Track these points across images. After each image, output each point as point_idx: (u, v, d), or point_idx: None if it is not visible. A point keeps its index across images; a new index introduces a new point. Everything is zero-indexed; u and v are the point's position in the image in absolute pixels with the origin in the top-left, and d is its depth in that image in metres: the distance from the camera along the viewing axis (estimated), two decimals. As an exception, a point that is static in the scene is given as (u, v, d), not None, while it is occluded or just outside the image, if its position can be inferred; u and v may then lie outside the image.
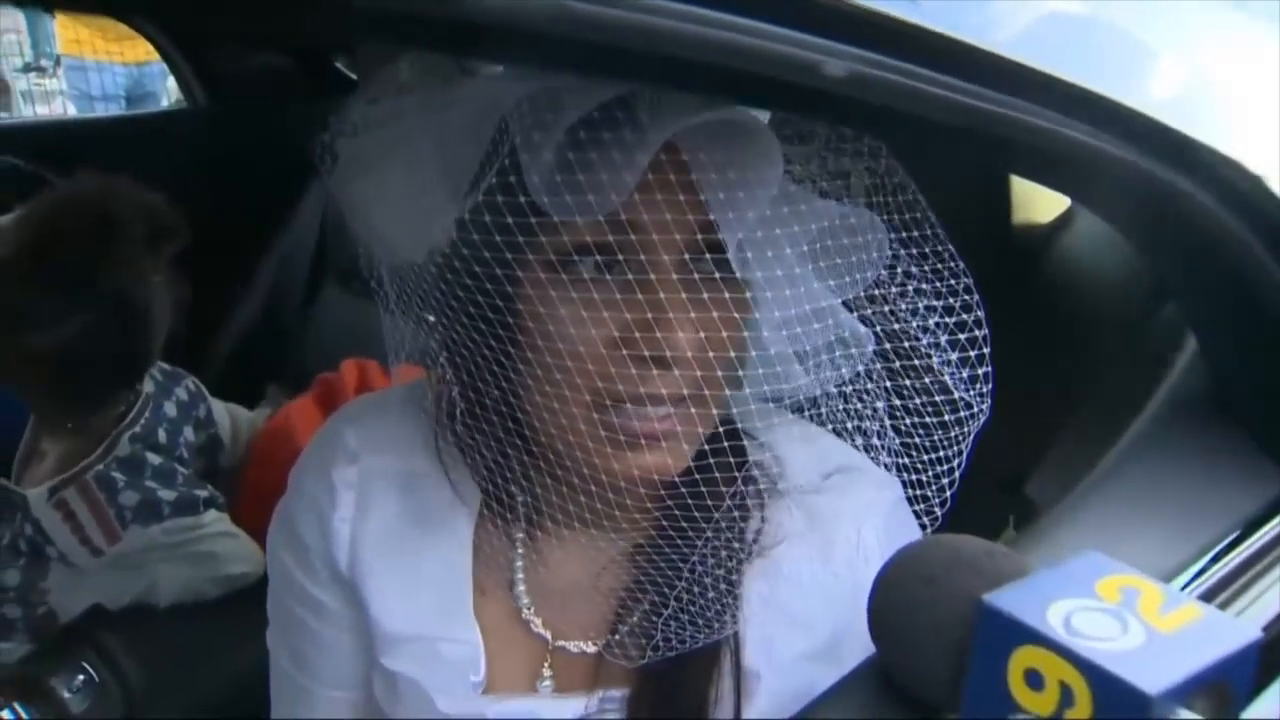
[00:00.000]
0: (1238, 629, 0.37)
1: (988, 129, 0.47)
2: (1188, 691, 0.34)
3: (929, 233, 0.58)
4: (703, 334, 0.54)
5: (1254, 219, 0.57)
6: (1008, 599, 0.37)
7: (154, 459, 1.29)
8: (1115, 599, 0.37)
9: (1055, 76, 0.48)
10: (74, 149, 1.85)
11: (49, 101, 3.07)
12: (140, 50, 3.09)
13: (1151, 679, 0.34)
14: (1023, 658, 0.36)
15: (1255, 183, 0.56)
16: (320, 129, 0.61)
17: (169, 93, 3.15)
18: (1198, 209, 0.55)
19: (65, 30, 3.28)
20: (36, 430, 1.31)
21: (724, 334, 0.55)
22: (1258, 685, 0.39)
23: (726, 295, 0.55)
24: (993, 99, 0.47)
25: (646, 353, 0.54)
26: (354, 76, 1.99)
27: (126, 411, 1.29)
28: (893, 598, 0.44)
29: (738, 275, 0.56)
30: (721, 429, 0.59)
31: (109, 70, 3.20)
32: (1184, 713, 0.34)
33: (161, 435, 1.31)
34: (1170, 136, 0.53)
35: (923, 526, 0.63)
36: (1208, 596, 0.58)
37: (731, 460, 0.59)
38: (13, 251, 1.20)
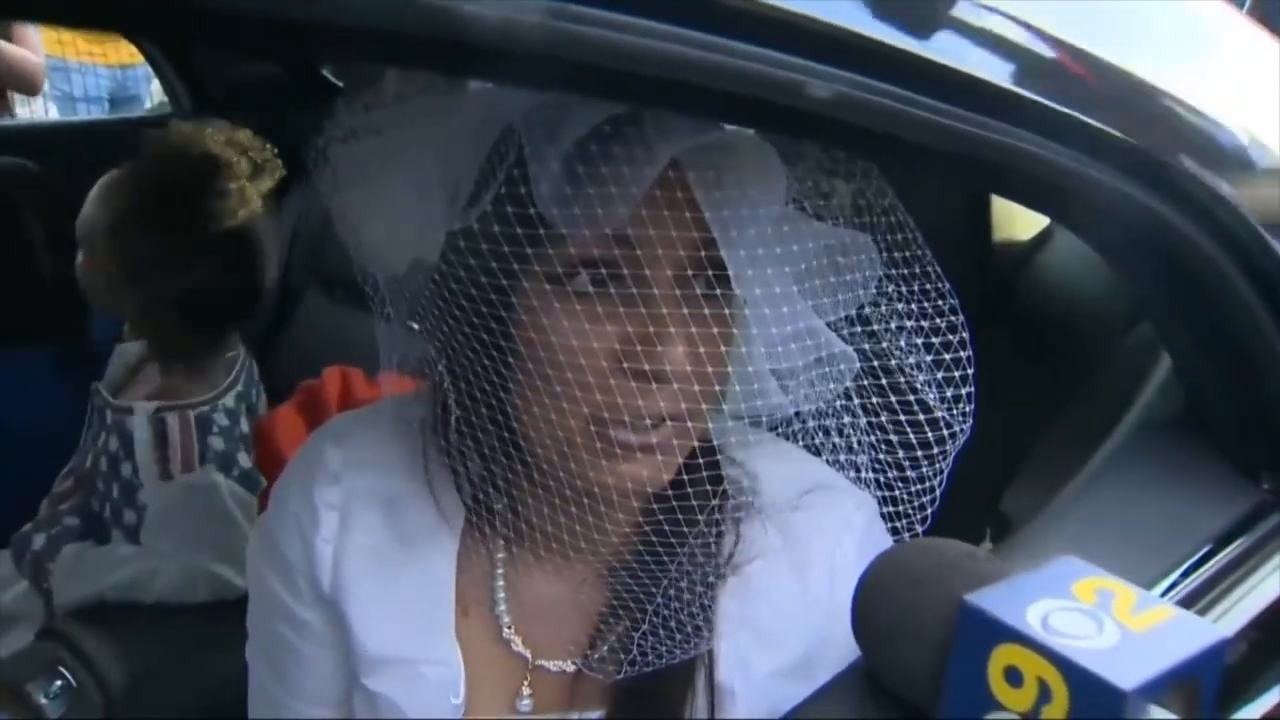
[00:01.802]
0: (1206, 629, 0.38)
1: (970, 151, 0.49)
2: (1160, 688, 0.36)
3: (916, 253, 0.59)
4: (701, 349, 0.54)
5: (1227, 240, 0.59)
6: (989, 599, 0.39)
7: (244, 427, 1.35)
8: (1091, 600, 0.39)
9: (1034, 99, 0.50)
10: (55, 151, 1.84)
11: (29, 102, 3.04)
12: (124, 52, 3.07)
13: (1126, 675, 0.35)
14: (1003, 655, 0.37)
15: (1227, 204, 0.58)
16: (307, 135, 0.60)
17: (152, 95, 3.13)
18: (1172, 230, 0.57)
19: (48, 29, 3.24)
20: (141, 356, 1.35)
21: (721, 349, 0.55)
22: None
23: (725, 311, 0.56)
24: (975, 121, 0.48)
25: (646, 367, 0.54)
26: (340, 84, 1.99)
27: (232, 364, 1.35)
28: (877, 600, 0.45)
29: (736, 291, 0.57)
30: (698, 447, 0.60)
31: (92, 72, 3.16)
32: (1156, 710, 0.36)
33: (253, 394, 1.38)
34: (1146, 158, 0.55)
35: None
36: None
37: (706, 478, 0.59)
38: (128, 204, 1.23)
